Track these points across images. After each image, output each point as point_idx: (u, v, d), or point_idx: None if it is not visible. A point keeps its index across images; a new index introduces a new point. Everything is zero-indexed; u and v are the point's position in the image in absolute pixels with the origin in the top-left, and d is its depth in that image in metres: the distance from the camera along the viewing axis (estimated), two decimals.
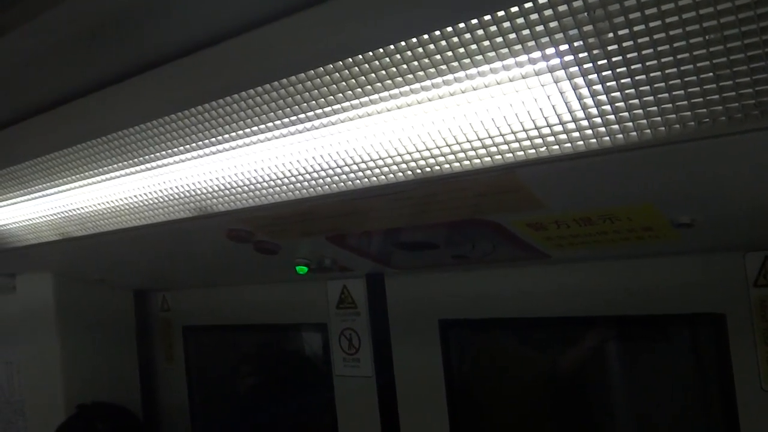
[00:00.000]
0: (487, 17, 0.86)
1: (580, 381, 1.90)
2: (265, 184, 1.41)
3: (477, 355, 2.11)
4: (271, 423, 2.56)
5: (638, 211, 1.29)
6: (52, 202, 1.78)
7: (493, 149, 1.11)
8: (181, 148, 1.35)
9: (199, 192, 1.51)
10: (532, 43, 0.89)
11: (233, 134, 1.26)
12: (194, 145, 1.33)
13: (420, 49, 0.94)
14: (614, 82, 0.92)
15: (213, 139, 1.30)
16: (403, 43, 0.94)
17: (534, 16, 0.84)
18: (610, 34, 0.84)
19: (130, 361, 2.84)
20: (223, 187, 1.47)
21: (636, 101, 0.94)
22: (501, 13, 0.85)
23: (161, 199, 1.59)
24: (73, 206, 1.77)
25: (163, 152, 1.39)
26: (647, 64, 0.88)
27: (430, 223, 1.52)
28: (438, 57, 0.95)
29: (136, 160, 1.44)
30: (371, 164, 1.24)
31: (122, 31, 1.11)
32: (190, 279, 2.63)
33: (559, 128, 1.03)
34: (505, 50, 0.91)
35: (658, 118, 0.96)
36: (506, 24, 0.87)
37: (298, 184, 1.37)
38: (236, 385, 2.73)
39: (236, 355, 2.80)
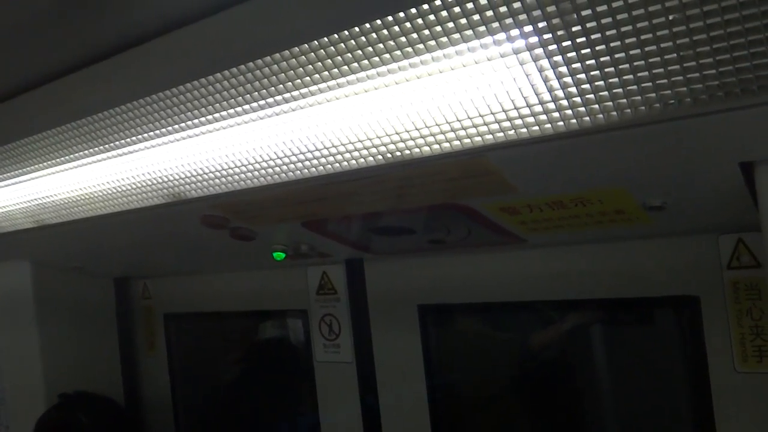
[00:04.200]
0: None
1: (556, 364, 1.91)
2: (237, 170, 1.40)
3: (456, 340, 2.11)
4: (253, 410, 2.56)
5: (609, 194, 1.29)
6: (25, 188, 1.77)
7: (462, 133, 1.11)
8: (152, 133, 1.34)
9: (171, 178, 1.50)
10: (496, 25, 0.89)
11: (203, 119, 1.25)
12: (164, 130, 1.32)
13: (385, 32, 0.94)
14: (579, 64, 0.92)
15: (183, 124, 1.29)
16: (368, 26, 0.93)
17: None
18: (574, 15, 0.84)
19: (111, 349, 2.83)
20: (195, 173, 1.46)
21: (601, 83, 0.94)
22: None
23: (134, 186, 1.58)
24: (47, 193, 1.76)
25: (134, 137, 1.37)
26: (611, 45, 0.87)
27: (405, 208, 1.52)
28: (403, 39, 0.95)
29: (106, 146, 1.43)
30: (342, 149, 1.23)
31: (89, 14, 1.09)
32: (168, 266, 2.62)
33: (526, 111, 1.03)
34: (470, 32, 0.91)
35: (624, 100, 0.96)
36: (470, 5, 0.86)
37: (270, 170, 1.36)
38: (218, 372, 2.73)
39: (218, 342, 2.80)
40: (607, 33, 0.86)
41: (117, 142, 1.41)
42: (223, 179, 1.45)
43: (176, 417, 2.79)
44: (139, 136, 1.37)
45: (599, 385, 1.86)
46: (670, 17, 0.82)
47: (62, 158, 1.53)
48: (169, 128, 1.31)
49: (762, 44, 0.83)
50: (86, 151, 1.47)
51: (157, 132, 1.33)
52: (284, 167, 1.35)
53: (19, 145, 1.49)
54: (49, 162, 1.57)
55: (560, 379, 1.93)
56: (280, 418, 2.50)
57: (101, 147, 1.44)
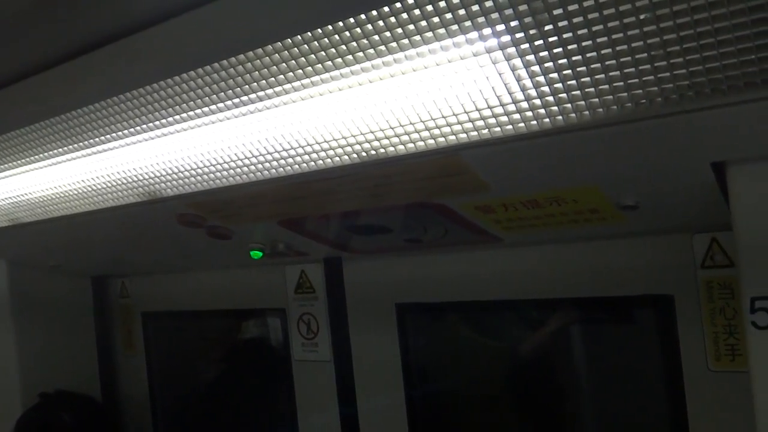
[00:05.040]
0: None
1: (532, 362, 1.92)
2: (212, 168, 1.39)
3: (434, 338, 2.11)
4: (232, 408, 2.55)
5: (583, 193, 1.30)
6: None
7: (437, 131, 1.11)
8: (127, 131, 1.33)
9: (147, 176, 1.49)
10: (468, 24, 0.88)
11: (177, 117, 1.24)
12: (139, 128, 1.31)
13: (358, 30, 0.93)
14: (551, 63, 0.92)
15: (158, 122, 1.28)
16: (341, 24, 0.93)
17: None
18: (545, 14, 0.84)
19: (88, 348, 2.81)
20: (170, 171, 1.45)
21: (573, 82, 0.94)
22: None
23: (110, 184, 1.57)
24: (21, 191, 1.74)
25: (108, 135, 1.36)
26: (583, 44, 0.88)
27: (382, 207, 1.52)
28: (376, 38, 0.94)
29: (81, 143, 1.42)
30: (316, 147, 1.23)
31: (61, 12, 1.08)
32: (146, 265, 2.60)
33: (499, 110, 1.03)
34: (442, 30, 0.90)
35: (596, 100, 0.96)
36: (442, 4, 0.86)
37: (245, 168, 1.36)
38: (196, 371, 2.72)
39: (196, 341, 2.78)
40: (579, 32, 0.86)
41: (91, 140, 1.39)
42: (199, 177, 1.44)
43: (154, 415, 2.78)
44: (114, 134, 1.35)
45: (574, 384, 1.87)
46: (641, 17, 0.82)
47: (36, 156, 1.51)
48: (144, 126, 1.30)
49: (731, 44, 0.84)
50: (61, 149, 1.46)
51: (132, 130, 1.32)
52: (259, 165, 1.34)
53: None
54: (23, 160, 1.55)
55: (536, 378, 1.94)
56: (259, 417, 2.49)
57: (76, 145, 1.43)
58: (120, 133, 1.34)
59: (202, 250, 2.02)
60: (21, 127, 1.38)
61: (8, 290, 2.52)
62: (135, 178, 1.51)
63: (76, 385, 2.62)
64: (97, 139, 1.39)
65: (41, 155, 1.51)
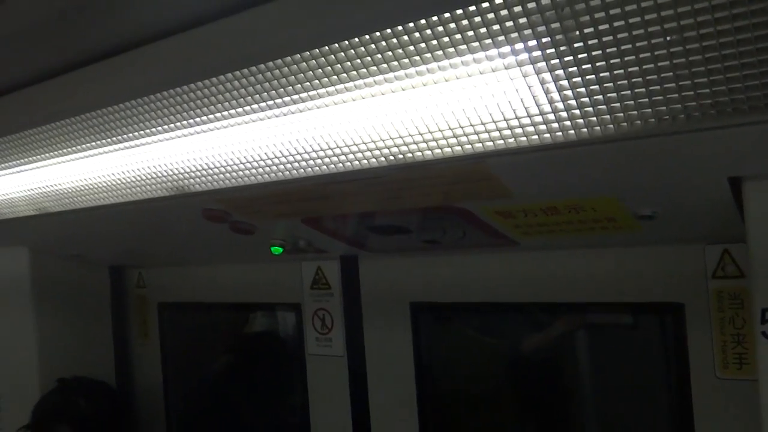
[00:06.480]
0: (459, 11, 0.89)
1: (543, 364, 1.95)
2: (242, 166, 1.43)
3: (446, 338, 2.15)
4: (244, 400, 2.60)
5: (602, 202, 1.34)
6: (30, 177, 1.79)
7: (464, 139, 1.15)
8: (160, 128, 1.37)
9: (176, 171, 1.53)
10: (501, 38, 0.92)
11: (212, 116, 1.28)
12: (173, 125, 1.35)
13: (394, 40, 0.97)
14: (579, 78, 0.96)
15: (192, 120, 1.32)
16: (377, 34, 0.97)
17: (504, 12, 0.87)
18: (576, 32, 0.88)
19: (104, 336, 2.86)
20: (200, 168, 1.49)
21: (600, 97, 0.98)
22: (472, 8, 0.88)
23: (139, 178, 1.61)
24: (51, 182, 1.78)
25: (142, 131, 1.40)
26: (611, 62, 0.91)
27: (403, 209, 1.56)
28: (411, 48, 0.98)
29: (114, 138, 1.46)
30: (346, 150, 1.27)
31: (102, 10, 1.12)
32: (166, 257, 2.65)
33: (527, 120, 1.07)
34: (476, 44, 0.94)
35: (621, 114, 1.00)
36: (477, 18, 0.90)
37: (275, 167, 1.40)
38: (210, 362, 2.76)
39: (210, 333, 2.83)
40: (608, 50, 0.90)
41: (125, 135, 1.43)
42: (228, 175, 1.48)
43: (167, 404, 2.82)
44: (148, 131, 1.39)
45: (583, 387, 1.90)
46: (668, 38, 0.86)
47: (70, 149, 1.55)
48: (178, 124, 1.33)
49: (754, 66, 0.87)
50: (94, 143, 1.50)
51: (166, 127, 1.36)
52: (288, 165, 1.38)
53: (30, 134, 1.51)
54: (56, 152, 1.59)
55: (546, 380, 1.98)
56: (271, 409, 2.54)
57: (109, 140, 1.47)
58: (154, 129, 1.38)
59: (223, 244, 2.06)
60: (60, 119, 1.41)
61: (30, 277, 2.57)
62: (165, 173, 1.55)
63: (92, 372, 2.66)
64: (131, 135, 1.42)
65: (74, 148, 1.55)
